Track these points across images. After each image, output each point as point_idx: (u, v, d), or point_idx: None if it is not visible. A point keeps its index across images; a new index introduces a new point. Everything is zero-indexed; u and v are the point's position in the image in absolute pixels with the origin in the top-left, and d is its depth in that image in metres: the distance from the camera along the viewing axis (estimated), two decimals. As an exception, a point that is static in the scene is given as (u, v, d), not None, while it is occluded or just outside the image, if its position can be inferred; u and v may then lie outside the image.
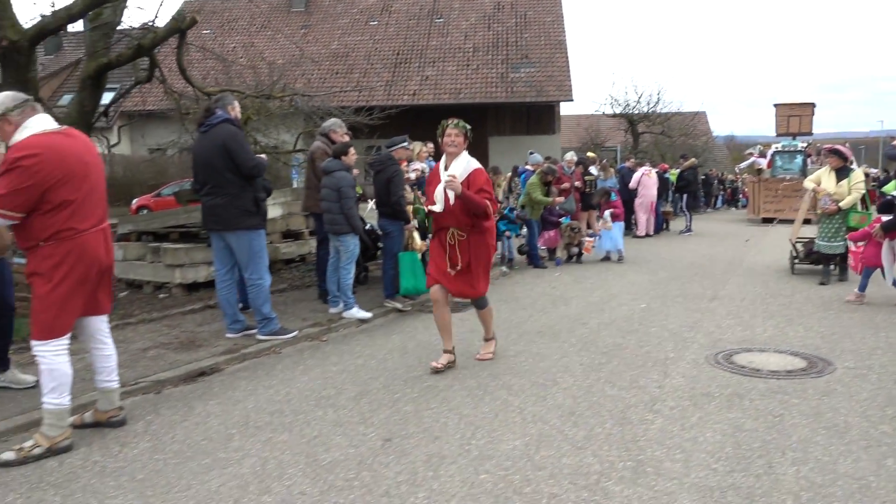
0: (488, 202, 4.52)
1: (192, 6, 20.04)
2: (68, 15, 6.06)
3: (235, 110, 5.39)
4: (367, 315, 6.31)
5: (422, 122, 13.88)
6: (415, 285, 6.81)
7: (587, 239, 9.96)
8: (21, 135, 3.32)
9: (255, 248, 5.35)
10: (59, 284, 3.33)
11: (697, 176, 15.65)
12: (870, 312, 6.30)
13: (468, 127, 4.60)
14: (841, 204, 7.47)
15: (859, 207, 7.60)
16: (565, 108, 28.90)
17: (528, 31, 25.54)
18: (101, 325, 3.68)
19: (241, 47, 23.06)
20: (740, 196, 27.42)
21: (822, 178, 7.76)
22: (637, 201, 13.53)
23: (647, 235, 13.65)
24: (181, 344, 5.37)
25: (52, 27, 6.01)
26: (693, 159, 15.63)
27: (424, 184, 7.72)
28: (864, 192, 7.58)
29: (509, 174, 14.47)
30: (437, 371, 4.57)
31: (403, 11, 27.21)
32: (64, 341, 3.42)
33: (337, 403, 4.06)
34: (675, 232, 14.75)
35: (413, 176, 7.47)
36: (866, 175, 10.73)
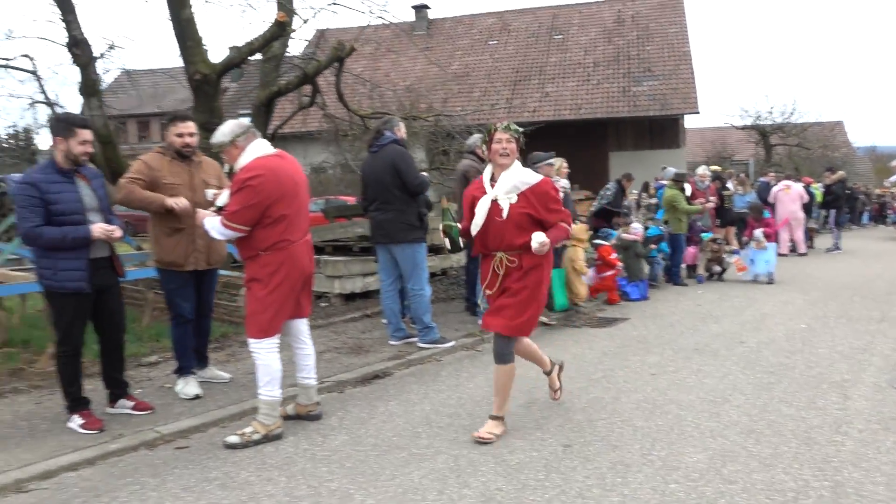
0: (565, 224, 3.78)
1: (334, 37, 21.34)
2: (250, 49, 6.77)
3: (401, 132, 5.79)
4: (516, 327, 6.48)
5: (542, 137, 13.93)
6: (564, 302, 6.94)
7: (734, 257, 9.57)
8: (245, 158, 3.77)
9: (418, 260, 5.70)
10: (274, 290, 3.74)
11: (845, 190, 14.63)
12: None
13: (521, 131, 3.85)
14: None
15: None
16: (689, 122, 27.96)
17: (650, 44, 25.03)
18: (302, 327, 4.08)
19: (367, 71, 24.31)
20: (889, 212, 25.23)
21: None
22: (777, 216, 12.86)
23: (793, 253, 12.87)
24: (350, 349, 5.79)
25: (236, 61, 6.75)
26: (841, 172, 14.66)
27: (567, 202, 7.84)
28: None
29: (639, 191, 14.23)
30: (555, 397, 4.33)
31: (522, 30, 27.53)
32: (276, 340, 3.84)
33: (509, 410, 4.24)
34: (820, 250, 13.85)
35: (560, 195, 7.56)
36: None
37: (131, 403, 4.20)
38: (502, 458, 3.48)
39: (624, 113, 22.83)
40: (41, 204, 3.61)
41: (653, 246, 8.92)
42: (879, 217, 25.91)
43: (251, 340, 3.83)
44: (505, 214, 3.64)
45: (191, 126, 4.46)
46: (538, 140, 12.12)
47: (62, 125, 3.76)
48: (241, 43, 6.94)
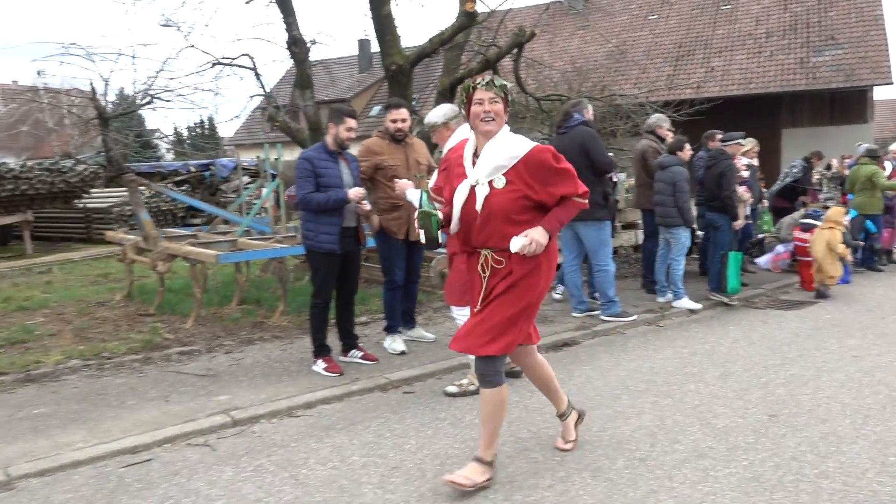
0: (578, 194, 2.90)
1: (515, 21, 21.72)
2: (441, 40, 7.30)
3: (589, 113, 6.01)
4: (697, 306, 6.51)
5: (706, 114, 13.21)
6: (736, 286, 6.83)
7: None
8: (454, 140, 4.22)
9: (603, 237, 5.92)
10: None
11: None
12: None
13: (507, 86, 2.93)
14: None
15: None
16: (880, 93, 25.18)
17: (833, 10, 22.85)
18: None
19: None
20: None
21: None
22: None
23: None
24: (537, 319, 6.15)
25: (428, 51, 7.31)
26: None
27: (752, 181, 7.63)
28: None
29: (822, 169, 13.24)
30: (563, 447, 3.35)
31: (685, 2, 26.22)
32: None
33: (703, 380, 4.40)
34: None
35: (746, 174, 7.40)
36: None
37: (360, 353, 4.87)
38: (707, 421, 3.67)
39: (801, 86, 21.11)
40: (313, 175, 4.35)
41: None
42: None
43: (454, 308, 4.23)
44: (485, 202, 2.81)
45: (403, 112, 5.01)
46: (701, 118, 11.71)
47: (335, 114, 4.45)
48: (425, 32, 7.44)
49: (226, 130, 35.88)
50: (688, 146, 6.61)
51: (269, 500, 2.94)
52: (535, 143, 2.88)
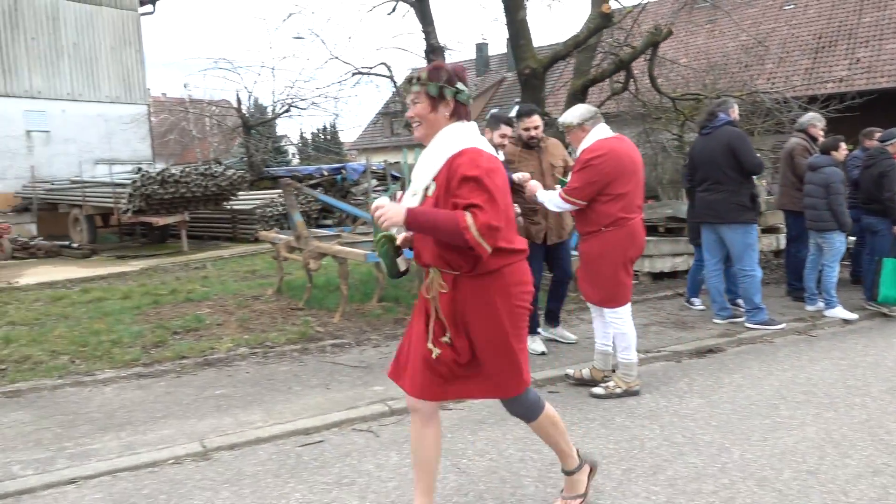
0: (471, 218, 2.26)
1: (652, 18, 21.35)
2: (575, 42, 7.32)
3: (735, 113, 5.82)
4: (854, 316, 6.10)
5: (852, 109, 12.12)
6: (894, 295, 6.31)
7: None
8: (588, 140, 4.20)
9: (749, 241, 5.70)
10: (618, 262, 4.13)
11: None
12: None
13: (437, 84, 2.43)
14: None
15: None
16: None
17: None
18: None
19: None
20: None
21: None
22: None
23: None
24: (674, 324, 6.04)
25: (562, 54, 7.36)
26: None
27: None
28: None
29: None
30: None
31: (826, -11, 24.39)
32: (629, 308, 4.26)
33: (870, 393, 4.16)
34: None
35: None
36: None
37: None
38: (879, 437, 3.48)
39: (966, 75, 19.04)
40: None
41: None
42: None
43: (607, 311, 4.28)
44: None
45: (536, 119, 5.05)
46: (849, 115, 10.83)
47: (493, 120, 4.67)
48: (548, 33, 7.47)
49: (347, 136, 37.64)
50: (843, 146, 6.21)
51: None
52: (469, 146, 2.38)
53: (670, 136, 9.63)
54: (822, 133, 6.76)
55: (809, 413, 3.85)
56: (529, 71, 7.47)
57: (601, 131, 4.25)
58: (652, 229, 8.45)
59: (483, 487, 3.09)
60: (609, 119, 12.28)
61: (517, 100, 31.99)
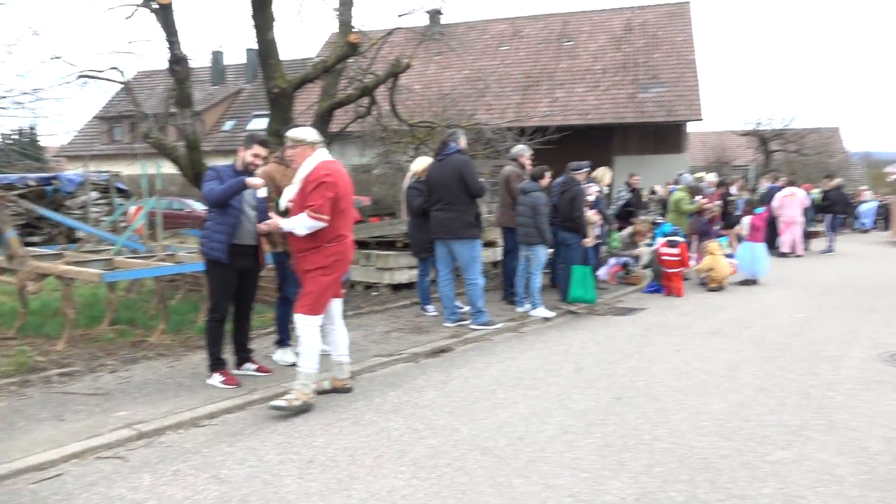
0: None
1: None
2: (324, 67, 7.71)
3: (463, 142, 6.73)
4: (551, 314, 7.43)
5: (550, 142, 14.34)
6: (583, 295, 7.88)
7: (732, 260, 10.38)
8: (314, 160, 4.37)
9: (475, 253, 6.64)
10: (334, 276, 4.41)
11: (842, 196, 15.58)
12: None
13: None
14: None
15: None
16: (691, 127, 28.90)
17: (657, 52, 25.97)
18: (338, 310, 4.65)
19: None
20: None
21: None
22: (779, 220, 13.78)
23: (791, 254, 13.75)
24: (412, 329, 6.72)
25: (311, 77, 7.68)
26: (839, 179, 15.64)
27: (601, 205, 8.78)
28: None
29: (649, 192, 15.18)
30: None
31: (533, 36, 28.46)
32: (321, 319, 4.43)
33: (561, 374, 5.20)
34: (816, 252, 14.81)
35: (591, 198, 8.50)
36: None
37: (254, 366, 5.13)
38: (568, 406, 4.42)
39: (631, 119, 23.76)
40: (218, 181, 4.65)
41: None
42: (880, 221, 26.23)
43: (302, 317, 4.36)
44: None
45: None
46: (548, 145, 13.05)
47: (247, 139, 4.73)
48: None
49: (52, 141, 32.99)
50: (548, 174, 7.55)
51: (196, 498, 3.21)
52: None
53: (407, 158, 10.53)
54: (529, 162, 8.10)
55: (519, 393, 4.71)
56: (279, 90, 7.65)
57: (325, 154, 4.50)
58: (391, 244, 9.19)
59: (246, 492, 3.25)
60: (352, 140, 12.94)
61: (255, 113, 31.05)
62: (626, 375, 5.13)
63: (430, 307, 7.45)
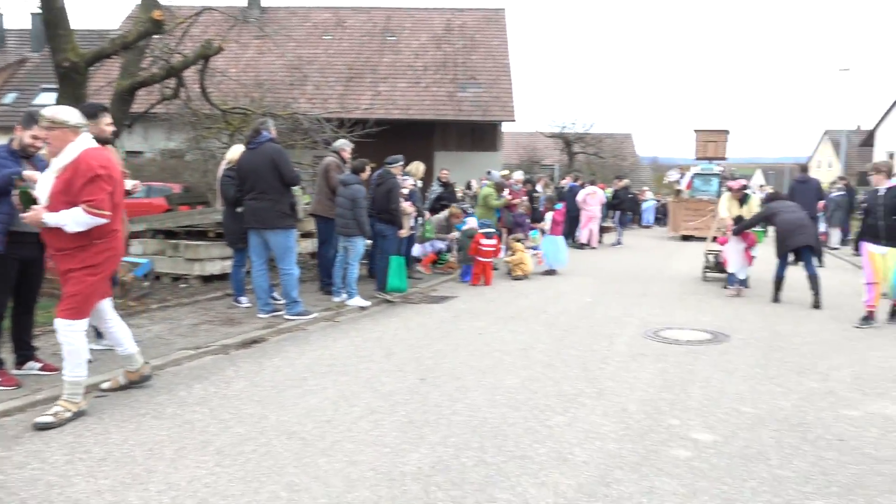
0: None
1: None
2: (123, 43, 7.13)
3: (273, 131, 6.65)
4: (367, 304, 7.63)
5: (373, 135, 14.61)
6: (398, 285, 8.19)
7: (536, 251, 11.38)
8: (77, 147, 3.85)
9: (289, 244, 6.61)
10: (103, 276, 4.04)
11: (628, 195, 17.69)
12: (759, 303, 8.14)
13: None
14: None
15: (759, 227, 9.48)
16: (506, 127, 30.82)
17: (475, 54, 27.27)
18: (107, 307, 4.34)
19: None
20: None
21: (729, 204, 9.55)
22: (582, 215, 15.28)
23: (587, 246, 15.34)
24: (223, 321, 6.54)
25: (108, 52, 7.05)
26: (627, 180, 17.70)
27: (415, 197, 9.14)
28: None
29: (463, 187, 16.01)
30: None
31: (357, 28, 28.44)
32: (86, 323, 4.04)
33: (373, 359, 5.41)
34: (608, 244, 16.66)
35: (406, 191, 8.80)
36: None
37: (39, 365, 4.69)
38: (376, 389, 4.63)
39: (450, 116, 24.76)
40: None
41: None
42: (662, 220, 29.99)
43: (65, 322, 3.93)
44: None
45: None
46: (371, 138, 13.26)
47: (26, 118, 4.23)
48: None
49: None
50: (368, 168, 7.70)
51: None
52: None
53: (220, 145, 10.11)
54: (349, 155, 8.20)
55: (330, 380, 4.83)
56: (69, 64, 6.95)
57: (89, 140, 4.01)
58: (202, 234, 8.80)
59: (26, 496, 3.02)
60: (158, 123, 12.08)
61: (43, 86, 27.78)
62: (432, 358, 5.46)
63: (243, 299, 7.28)
